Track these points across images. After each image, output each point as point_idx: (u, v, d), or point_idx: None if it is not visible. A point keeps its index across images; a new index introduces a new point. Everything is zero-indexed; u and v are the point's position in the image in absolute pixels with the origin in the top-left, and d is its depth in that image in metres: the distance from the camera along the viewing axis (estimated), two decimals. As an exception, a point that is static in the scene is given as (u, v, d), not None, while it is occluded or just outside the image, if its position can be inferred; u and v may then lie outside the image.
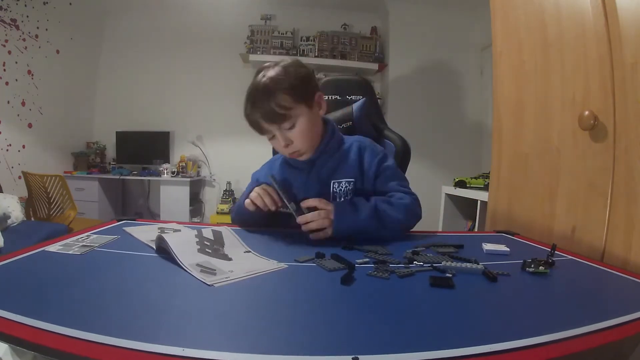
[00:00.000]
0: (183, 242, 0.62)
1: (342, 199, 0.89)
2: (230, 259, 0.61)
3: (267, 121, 0.81)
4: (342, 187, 0.90)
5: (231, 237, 0.70)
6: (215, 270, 0.55)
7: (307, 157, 0.89)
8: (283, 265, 0.59)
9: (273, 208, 0.84)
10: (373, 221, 0.80)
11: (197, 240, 0.64)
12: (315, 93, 0.87)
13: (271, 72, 0.81)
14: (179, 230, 0.77)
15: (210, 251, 0.62)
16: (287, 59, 0.87)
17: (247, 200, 0.86)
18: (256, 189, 0.86)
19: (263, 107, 0.79)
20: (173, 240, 0.60)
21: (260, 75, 0.82)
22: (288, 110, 0.80)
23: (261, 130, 0.85)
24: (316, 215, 0.78)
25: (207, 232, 0.67)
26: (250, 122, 0.85)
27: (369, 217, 0.80)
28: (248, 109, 0.83)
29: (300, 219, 0.79)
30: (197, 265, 0.56)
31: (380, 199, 0.86)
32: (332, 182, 0.91)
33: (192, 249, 0.61)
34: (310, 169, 0.91)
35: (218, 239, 0.67)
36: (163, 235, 0.62)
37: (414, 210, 0.87)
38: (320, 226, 0.78)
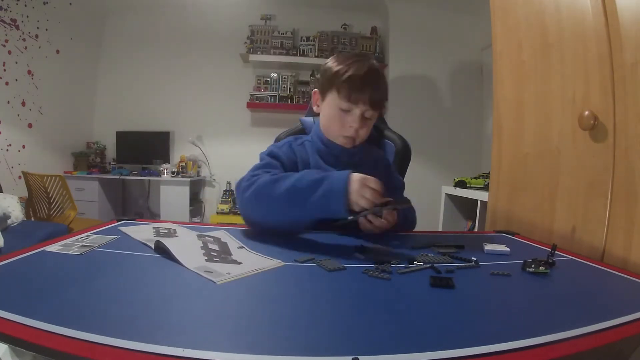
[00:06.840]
0: (189, 256, 0.60)
1: None
2: (240, 263, 0.59)
3: (370, 102, 0.85)
4: None
5: (228, 239, 0.70)
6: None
7: (350, 145, 0.94)
8: (282, 263, 0.59)
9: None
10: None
11: (204, 252, 0.62)
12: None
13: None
14: (174, 230, 0.77)
15: (218, 260, 0.60)
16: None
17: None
18: (359, 185, 0.72)
19: (376, 88, 0.85)
20: (182, 256, 0.59)
21: (369, 60, 0.87)
22: (383, 105, 0.89)
23: (354, 99, 0.85)
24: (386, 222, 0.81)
25: (214, 246, 0.65)
26: (350, 84, 0.84)
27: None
28: (357, 82, 0.84)
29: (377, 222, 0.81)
30: (203, 266, 0.55)
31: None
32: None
33: (201, 260, 0.59)
34: (341, 156, 0.95)
35: (225, 250, 0.65)
36: (167, 246, 0.61)
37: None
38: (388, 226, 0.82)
